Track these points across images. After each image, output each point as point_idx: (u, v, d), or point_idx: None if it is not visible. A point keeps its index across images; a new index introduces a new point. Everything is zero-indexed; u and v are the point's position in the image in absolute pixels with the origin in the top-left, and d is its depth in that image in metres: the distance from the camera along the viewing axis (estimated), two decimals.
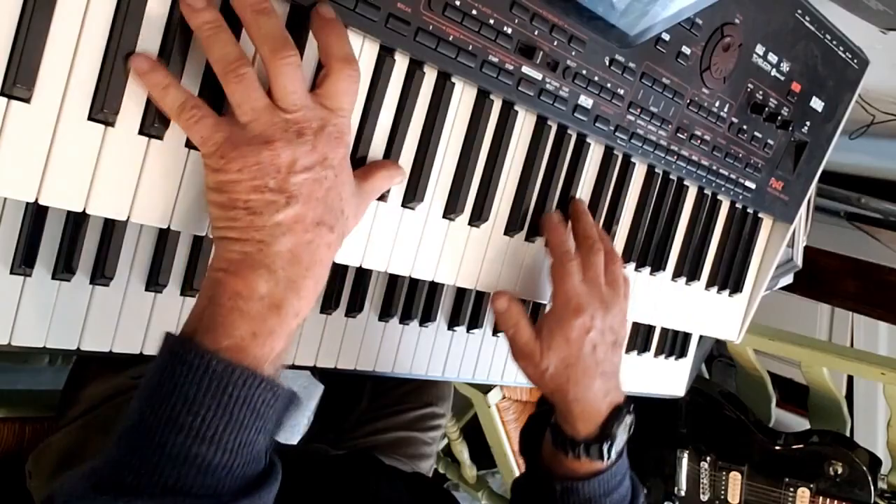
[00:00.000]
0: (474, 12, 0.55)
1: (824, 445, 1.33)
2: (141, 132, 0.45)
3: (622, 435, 0.63)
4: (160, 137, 0.46)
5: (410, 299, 0.67)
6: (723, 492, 1.41)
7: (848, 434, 1.42)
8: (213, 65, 0.44)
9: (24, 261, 0.47)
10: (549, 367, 0.62)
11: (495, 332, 0.74)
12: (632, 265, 0.76)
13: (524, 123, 0.64)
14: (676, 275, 0.82)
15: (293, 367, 0.62)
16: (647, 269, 0.78)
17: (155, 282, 0.52)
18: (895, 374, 1.23)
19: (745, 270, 0.90)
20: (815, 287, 1.85)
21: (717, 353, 2.02)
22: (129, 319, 0.52)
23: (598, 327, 0.62)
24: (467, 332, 0.72)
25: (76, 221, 0.48)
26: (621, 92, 0.66)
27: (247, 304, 0.43)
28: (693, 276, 0.83)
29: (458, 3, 0.54)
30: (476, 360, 0.74)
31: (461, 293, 0.71)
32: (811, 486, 1.32)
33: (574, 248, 0.65)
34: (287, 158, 0.43)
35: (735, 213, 0.86)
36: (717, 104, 0.74)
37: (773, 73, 0.77)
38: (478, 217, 0.63)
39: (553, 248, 0.65)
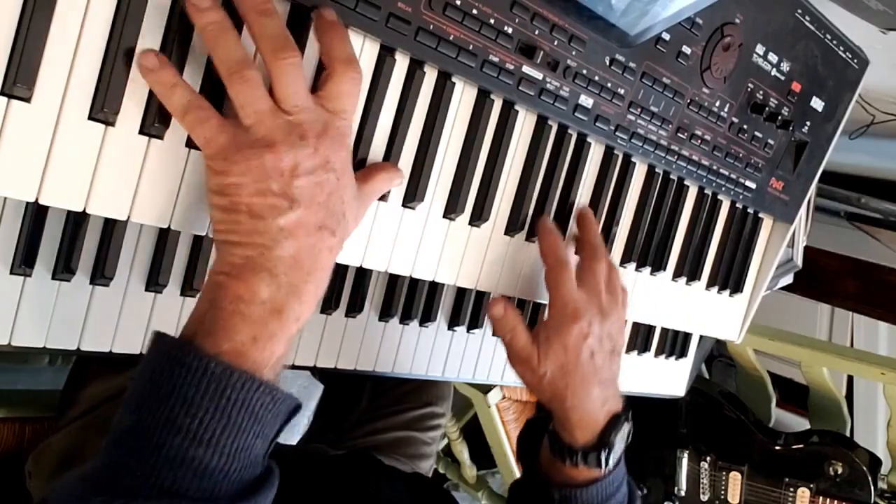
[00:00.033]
0: (475, 12, 0.55)
1: (824, 445, 1.33)
2: (141, 132, 0.45)
3: (620, 443, 0.63)
4: (160, 137, 0.45)
5: (410, 299, 0.67)
6: (723, 492, 1.41)
7: (848, 434, 1.42)
8: (218, 66, 0.44)
9: (24, 261, 0.47)
10: (547, 374, 0.61)
11: (495, 332, 0.74)
12: (632, 265, 0.76)
13: (524, 123, 0.64)
14: (677, 275, 0.82)
15: (293, 367, 0.62)
16: (648, 269, 0.78)
17: (155, 282, 0.52)
18: (895, 374, 1.23)
19: (745, 270, 0.90)
20: (815, 287, 1.85)
21: (717, 353, 2.02)
22: (129, 319, 0.52)
23: (596, 334, 0.62)
24: (467, 332, 0.72)
25: (76, 221, 0.48)
26: (622, 92, 0.66)
27: (248, 308, 0.42)
28: (693, 276, 0.83)
29: (458, 2, 0.54)
30: (476, 360, 0.74)
31: (461, 293, 0.71)
32: (811, 486, 1.32)
33: (567, 254, 0.64)
34: (290, 162, 0.43)
35: (735, 213, 0.86)
36: (717, 104, 0.74)
37: (774, 72, 0.77)
38: (478, 217, 0.62)
39: (546, 255, 0.64)
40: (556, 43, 0.60)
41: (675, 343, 0.94)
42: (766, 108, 0.77)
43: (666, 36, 0.66)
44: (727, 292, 0.89)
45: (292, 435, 0.93)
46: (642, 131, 0.70)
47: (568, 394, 0.61)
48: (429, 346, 0.70)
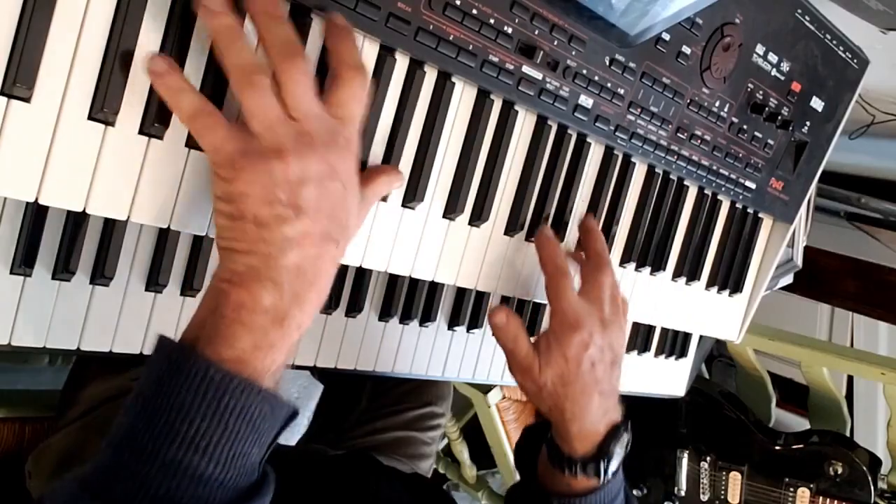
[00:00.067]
0: (474, 12, 0.55)
1: (824, 445, 1.33)
2: (141, 132, 0.45)
3: (619, 453, 0.62)
4: (160, 137, 0.45)
5: (410, 299, 0.67)
6: (723, 492, 1.41)
7: (848, 434, 1.42)
8: (228, 71, 0.43)
9: (24, 261, 0.47)
10: (547, 383, 0.61)
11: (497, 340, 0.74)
12: (632, 265, 0.76)
13: (524, 123, 0.64)
14: (676, 275, 0.82)
15: (293, 367, 0.62)
16: (648, 269, 0.78)
17: (155, 282, 0.52)
18: (895, 374, 1.23)
19: (745, 270, 0.90)
20: (815, 287, 1.85)
21: (717, 353, 2.02)
22: (129, 319, 0.52)
23: (598, 344, 0.61)
24: (467, 332, 0.72)
25: (76, 221, 0.48)
26: (621, 92, 0.66)
27: (250, 317, 0.42)
28: (693, 276, 0.83)
29: (458, 2, 0.54)
30: (476, 360, 0.74)
31: (461, 293, 0.71)
32: (811, 486, 1.32)
33: (566, 263, 0.64)
34: (297, 171, 0.43)
35: (735, 213, 0.86)
36: (717, 104, 0.74)
37: (774, 72, 0.77)
38: (478, 217, 0.62)
39: (545, 264, 0.64)
40: (556, 43, 0.60)
41: (675, 343, 0.94)
42: (766, 108, 0.77)
43: (666, 36, 0.66)
44: (727, 292, 0.89)
45: (292, 435, 0.93)
46: (642, 131, 0.70)
47: (568, 404, 0.61)
48: (429, 346, 0.70)
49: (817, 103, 0.83)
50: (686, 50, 0.68)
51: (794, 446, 1.35)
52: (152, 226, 0.49)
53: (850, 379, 1.94)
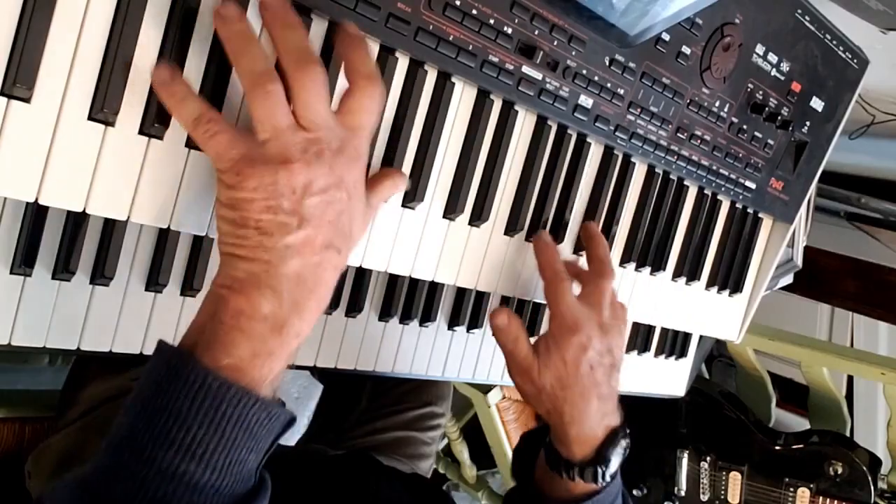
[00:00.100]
0: (474, 12, 0.55)
1: (824, 445, 1.33)
2: (141, 132, 0.45)
3: (617, 458, 0.62)
4: (160, 137, 0.45)
5: (410, 299, 0.67)
6: (723, 492, 1.41)
7: (848, 434, 1.42)
8: (241, 77, 0.43)
9: (24, 261, 0.47)
10: (546, 386, 0.61)
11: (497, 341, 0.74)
12: (632, 265, 0.76)
13: (524, 123, 0.64)
14: (676, 275, 0.82)
15: (293, 367, 0.62)
16: (647, 269, 0.78)
17: (155, 282, 0.52)
18: (895, 374, 1.23)
19: (745, 270, 0.90)
20: (815, 287, 1.85)
21: (717, 353, 2.02)
22: (129, 319, 0.52)
23: (597, 348, 0.61)
24: (467, 332, 0.72)
25: (76, 221, 0.48)
26: (621, 92, 0.66)
27: (249, 324, 0.42)
28: (693, 276, 0.83)
29: (458, 2, 0.54)
30: (476, 360, 0.74)
31: (461, 293, 0.71)
32: (811, 486, 1.32)
33: (564, 268, 0.64)
34: (303, 180, 0.42)
35: (735, 213, 0.86)
36: (717, 104, 0.74)
37: (773, 72, 0.77)
38: (478, 217, 0.62)
39: (544, 269, 0.64)
40: (555, 43, 0.60)
41: (674, 343, 0.94)
42: (766, 108, 0.77)
43: (666, 36, 0.66)
44: (727, 292, 0.89)
45: (292, 435, 0.93)
46: (642, 131, 0.70)
47: (566, 407, 0.61)
48: (429, 346, 0.70)
49: (817, 103, 0.83)
50: (686, 50, 0.68)
51: (794, 446, 1.35)
52: (152, 226, 0.49)
53: (850, 379, 1.94)
